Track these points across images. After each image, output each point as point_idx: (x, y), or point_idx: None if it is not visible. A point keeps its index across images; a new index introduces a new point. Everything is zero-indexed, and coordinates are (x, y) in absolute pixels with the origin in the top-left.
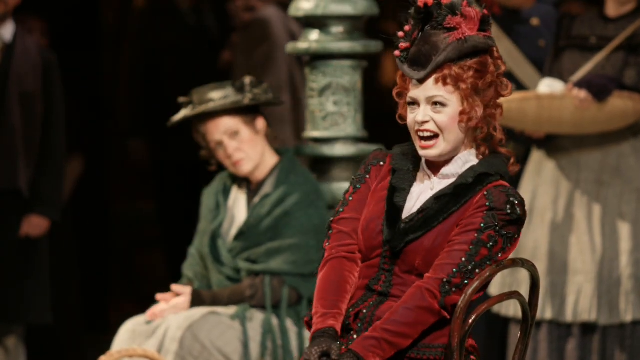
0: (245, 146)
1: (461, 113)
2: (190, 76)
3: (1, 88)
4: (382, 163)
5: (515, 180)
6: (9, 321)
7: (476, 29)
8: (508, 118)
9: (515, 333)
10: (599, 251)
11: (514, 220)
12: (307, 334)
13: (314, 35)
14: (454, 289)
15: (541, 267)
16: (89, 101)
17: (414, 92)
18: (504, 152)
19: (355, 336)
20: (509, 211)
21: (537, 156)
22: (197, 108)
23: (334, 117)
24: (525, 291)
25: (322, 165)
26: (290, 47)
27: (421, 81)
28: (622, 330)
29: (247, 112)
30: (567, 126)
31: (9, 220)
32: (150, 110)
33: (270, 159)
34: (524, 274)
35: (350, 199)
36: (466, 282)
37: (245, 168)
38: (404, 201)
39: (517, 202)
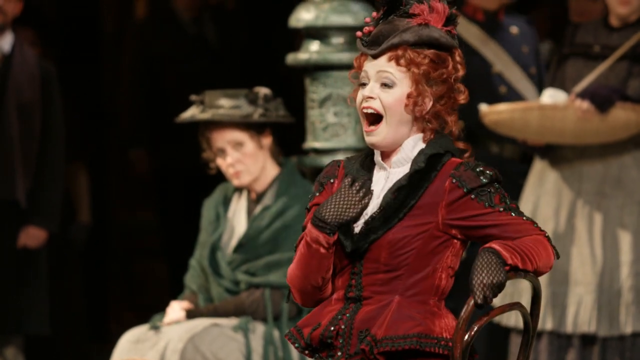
0: (247, 159)
1: (408, 96)
2: (190, 86)
3: None
4: (332, 180)
5: (517, 190)
6: (7, 332)
7: (441, 24)
8: (511, 127)
9: (516, 343)
10: (599, 262)
11: (493, 179)
12: None
13: (314, 46)
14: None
15: (542, 278)
16: (89, 111)
17: (366, 67)
18: (462, 146)
19: (339, 353)
20: (485, 180)
21: (539, 166)
22: (206, 111)
23: (334, 128)
24: (526, 301)
25: None
26: (291, 57)
27: (375, 57)
28: (621, 342)
29: (256, 126)
30: (569, 136)
31: (6, 231)
32: (151, 120)
33: (271, 171)
34: (524, 284)
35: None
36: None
37: (243, 180)
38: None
39: (482, 167)
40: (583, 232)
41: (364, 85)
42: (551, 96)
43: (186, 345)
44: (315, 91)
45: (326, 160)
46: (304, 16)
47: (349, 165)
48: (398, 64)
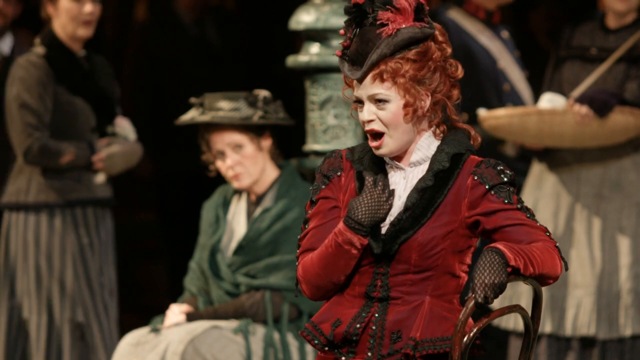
0: (246, 161)
1: (405, 106)
2: (192, 88)
3: None
4: (339, 173)
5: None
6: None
7: (412, 19)
8: (509, 132)
9: (515, 345)
10: (598, 265)
11: (511, 180)
12: (309, 348)
13: (315, 48)
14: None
15: None
16: None
17: (357, 92)
18: (463, 127)
19: (369, 354)
20: (505, 178)
21: (537, 169)
22: (206, 113)
23: (334, 130)
24: (524, 304)
25: None
26: (291, 60)
27: (360, 80)
28: (621, 344)
29: (255, 128)
30: (568, 140)
31: None
32: (152, 123)
33: (271, 173)
34: (523, 287)
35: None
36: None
37: (243, 183)
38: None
39: (502, 167)
40: (582, 235)
41: (360, 103)
42: (549, 101)
43: (186, 347)
44: (316, 93)
45: None
46: (304, 18)
47: (355, 160)
48: (383, 80)
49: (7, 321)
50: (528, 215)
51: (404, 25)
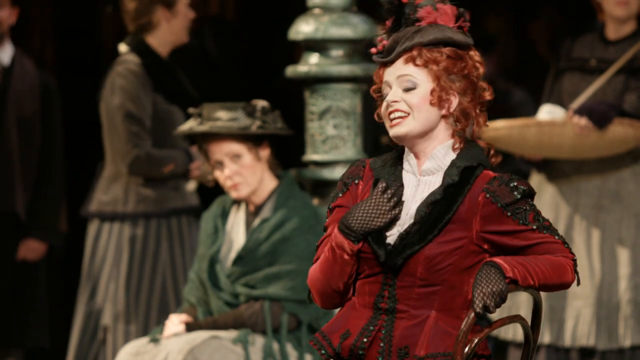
0: (245, 171)
1: (432, 92)
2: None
3: None
4: (356, 181)
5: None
6: (7, 345)
7: (452, 23)
8: (509, 143)
9: (515, 356)
10: (598, 276)
11: (526, 194)
12: (308, 358)
13: (314, 58)
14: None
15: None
16: (89, 124)
17: (386, 76)
18: (482, 144)
19: None
20: (519, 195)
21: (536, 180)
22: (204, 123)
23: (333, 140)
24: (524, 314)
25: (323, 189)
26: (290, 70)
27: (391, 63)
28: (620, 355)
29: (253, 138)
30: (568, 151)
31: (6, 244)
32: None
33: (270, 183)
34: (522, 297)
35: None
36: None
37: (241, 193)
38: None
39: (515, 182)
40: (581, 246)
41: (387, 86)
42: (549, 112)
43: (186, 357)
44: (315, 103)
45: (326, 172)
46: (303, 29)
47: (377, 168)
48: (415, 64)
49: (82, 325)
50: (545, 232)
51: (442, 23)
